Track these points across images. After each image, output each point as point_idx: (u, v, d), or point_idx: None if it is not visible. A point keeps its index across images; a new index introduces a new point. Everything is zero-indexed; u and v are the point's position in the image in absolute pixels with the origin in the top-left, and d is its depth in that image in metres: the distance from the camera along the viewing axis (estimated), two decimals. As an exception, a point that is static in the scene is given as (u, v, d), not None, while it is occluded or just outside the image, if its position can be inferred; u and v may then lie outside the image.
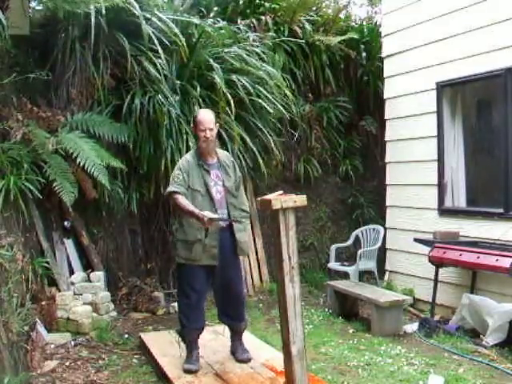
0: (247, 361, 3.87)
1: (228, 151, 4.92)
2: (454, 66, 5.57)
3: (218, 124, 3.90)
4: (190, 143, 5.49)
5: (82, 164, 4.86)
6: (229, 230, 3.72)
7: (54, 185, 4.75)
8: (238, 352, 3.95)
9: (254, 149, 6.03)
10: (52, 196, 5.17)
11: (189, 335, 3.83)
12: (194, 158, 3.75)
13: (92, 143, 5.12)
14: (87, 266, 5.50)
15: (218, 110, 5.62)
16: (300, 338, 3.20)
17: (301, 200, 3.18)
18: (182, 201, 3.57)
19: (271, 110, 6.05)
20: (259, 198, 3.30)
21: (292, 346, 3.19)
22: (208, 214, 3.49)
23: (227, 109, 5.65)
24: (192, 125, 3.86)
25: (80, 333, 4.71)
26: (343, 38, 7.44)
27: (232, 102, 5.64)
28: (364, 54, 7.70)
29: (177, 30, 5.59)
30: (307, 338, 3.85)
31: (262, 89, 6.04)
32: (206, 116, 3.76)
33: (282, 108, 6.28)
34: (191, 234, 3.64)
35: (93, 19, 5.09)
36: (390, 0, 6.63)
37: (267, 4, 7.34)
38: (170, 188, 3.65)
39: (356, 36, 7.67)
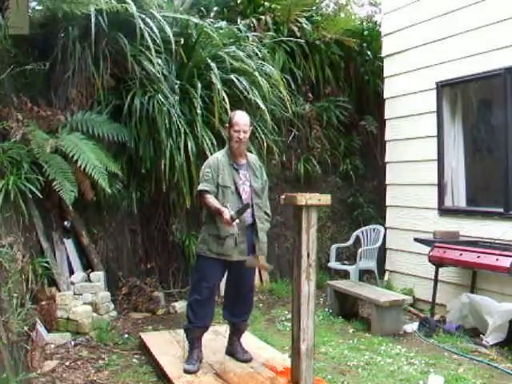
0: (249, 361, 3.89)
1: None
2: (453, 65, 5.58)
3: (251, 127, 3.95)
4: (189, 142, 5.50)
5: (82, 167, 4.87)
6: (251, 228, 3.77)
7: (53, 184, 4.75)
8: (238, 353, 3.96)
9: (253, 148, 6.02)
10: (52, 196, 5.17)
11: (192, 332, 3.84)
12: (224, 157, 3.82)
13: (92, 145, 5.12)
14: (87, 266, 5.50)
15: (217, 110, 5.63)
16: (310, 337, 3.23)
17: (325, 199, 3.26)
18: (210, 199, 3.68)
19: (267, 110, 6.02)
20: (284, 194, 3.41)
21: (302, 343, 3.22)
22: (228, 212, 3.52)
23: (226, 107, 5.64)
24: (227, 124, 3.94)
25: (80, 333, 4.70)
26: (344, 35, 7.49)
27: (229, 101, 5.62)
28: (368, 52, 7.71)
29: (169, 33, 5.56)
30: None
31: (258, 89, 6.02)
32: (242, 118, 3.83)
33: (279, 108, 6.27)
34: (224, 229, 3.68)
35: (93, 19, 5.11)
36: (390, 0, 6.63)
37: (267, 3, 7.34)
38: (200, 186, 3.77)
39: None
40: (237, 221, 3.54)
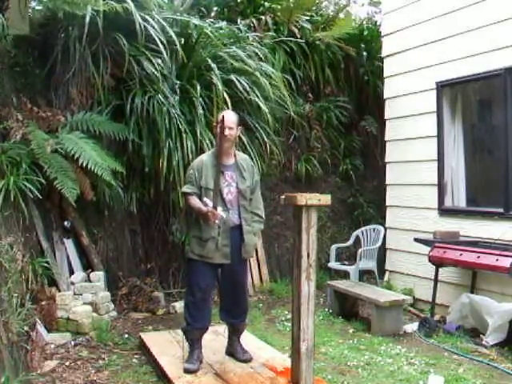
0: (249, 361, 3.89)
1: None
2: (453, 65, 5.57)
3: (240, 127, 3.94)
4: (189, 143, 5.49)
5: (84, 164, 4.86)
6: (239, 230, 3.77)
7: (55, 183, 4.74)
8: (238, 353, 3.95)
9: (253, 148, 6.02)
10: (52, 196, 5.17)
11: (191, 334, 3.84)
12: (210, 158, 3.81)
13: (92, 144, 5.12)
14: (87, 266, 5.50)
15: (217, 110, 5.63)
16: (310, 337, 3.23)
17: (325, 199, 3.27)
18: (193, 201, 3.72)
19: (267, 110, 6.02)
20: (284, 194, 3.43)
21: (302, 343, 3.22)
22: (207, 206, 3.61)
23: (226, 108, 5.64)
24: (214, 123, 3.97)
25: (80, 333, 4.70)
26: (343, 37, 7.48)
27: (230, 101, 5.62)
28: (364, 54, 7.71)
29: (172, 33, 5.56)
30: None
31: (258, 89, 6.02)
32: (228, 115, 3.83)
33: (279, 108, 6.28)
34: (206, 232, 3.69)
35: (87, 19, 5.11)
36: (390, 0, 6.64)
37: (267, 4, 7.34)
38: (183, 189, 3.85)
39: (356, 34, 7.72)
40: (219, 208, 3.59)
